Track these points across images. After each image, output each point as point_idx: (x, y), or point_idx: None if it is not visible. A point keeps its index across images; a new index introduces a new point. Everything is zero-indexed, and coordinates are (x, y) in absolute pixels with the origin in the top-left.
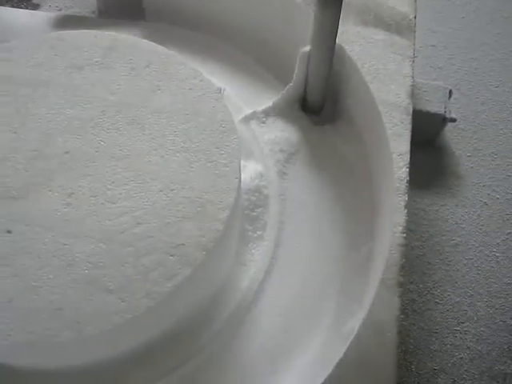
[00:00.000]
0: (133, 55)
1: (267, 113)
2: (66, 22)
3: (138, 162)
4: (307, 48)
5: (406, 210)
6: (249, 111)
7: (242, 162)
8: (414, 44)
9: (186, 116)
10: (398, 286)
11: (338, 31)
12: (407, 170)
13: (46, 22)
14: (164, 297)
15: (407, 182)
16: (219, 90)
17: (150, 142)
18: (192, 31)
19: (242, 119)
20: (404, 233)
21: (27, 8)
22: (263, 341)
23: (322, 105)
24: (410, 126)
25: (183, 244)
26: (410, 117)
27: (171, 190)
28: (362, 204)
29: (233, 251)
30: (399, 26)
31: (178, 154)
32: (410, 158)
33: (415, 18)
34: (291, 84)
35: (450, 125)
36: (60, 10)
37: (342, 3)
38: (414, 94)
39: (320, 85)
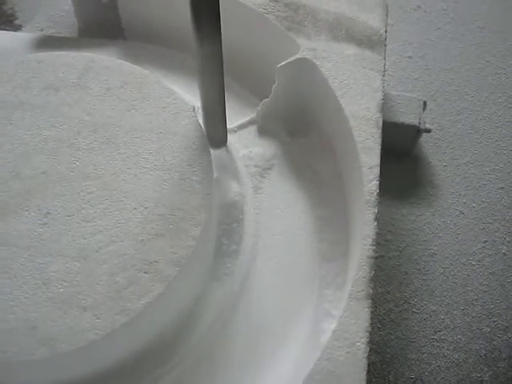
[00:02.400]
0: (108, 76)
1: (242, 128)
2: (47, 42)
3: (112, 181)
4: (283, 63)
5: (375, 223)
6: None
7: (218, 178)
8: (385, 58)
9: (160, 134)
10: (367, 298)
11: (310, 46)
12: (377, 183)
13: (27, 43)
14: (137, 313)
15: (377, 195)
16: (193, 109)
17: (124, 161)
18: (170, 49)
19: None
20: (373, 245)
21: (9, 29)
22: (240, 355)
23: (223, 138)
24: (380, 140)
25: (156, 261)
26: (380, 130)
27: (145, 208)
28: (336, 217)
29: (207, 266)
30: (370, 41)
31: (151, 173)
32: (386, 169)
33: (386, 32)
34: (266, 100)
35: (426, 135)
36: (42, 30)
37: (221, 38)
38: (388, 106)
39: (216, 117)
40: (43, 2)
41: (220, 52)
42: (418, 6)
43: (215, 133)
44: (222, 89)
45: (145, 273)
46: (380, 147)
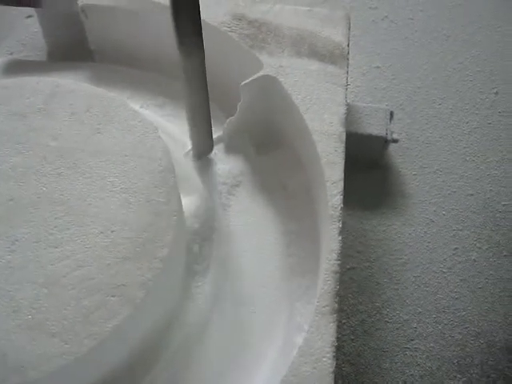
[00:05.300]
0: (73, 100)
1: None
2: (15, 66)
3: (78, 206)
4: (247, 81)
5: (340, 237)
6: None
7: (186, 197)
8: (348, 72)
9: (125, 157)
10: (332, 313)
11: (273, 63)
12: (341, 197)
13: None
14: (105, 336)
15: (341, 210)
16: (157, 130)
17: (91, 185)
18: (139, 70)
19: (186, 154)
20: (338, 260)
21: None
22: (214, 371)
23: (209, 146)
24: (343, 154)
25: (123, 284)
26: (343, 144)
27: (111, 232)
28: (305, 231)
29: (177, 287)
30: (333, 56)
31: (117, 196)
32: (356, 180)
33: (348, 46)
34: (232, 117)
35: (395, 144)
36: (11, 53)
37: (203, 49)
38: (355, 118)
39: (203, 130)
40: (12, 25)
41: (204, 61)
42: (386, 16)
43: (201, 141)
44: (207, 98)
45: (112, 296)
46: (344, 161)
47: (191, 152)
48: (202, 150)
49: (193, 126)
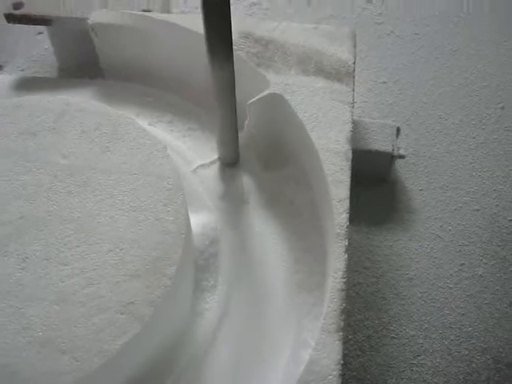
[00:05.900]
0: (83, 118)
1: (216, 163)
2: (26, 83)
3: (88, 224)
4: (254, 99)
5: (346, 256)
6: (200, 162)
7: (194, 214)
8: (354, 90)
9: (134, 175)
10: (338, 331)
11: (280, 81)
12: (347, 215)
13: (7, 85)
14: (115, 354)
15: (347, 228)
16: (165, 148)
17: (100, 203)
18: (149, 88)
19: (193, 171)
20: (344, 278)
21: None
22: None
23: (236, 157)
24: (349, 172)
25: (132, 302)
26: (349, 163)
27: (120, 250)
28: (311, 248)
29: (186, 304)
30: (339, 73)
31: (126, 214)
32: (362, 196)
33: (354, 63)
34: (240, 135)
35: (401, 160)
36: (22, 70)
37: (233, 60)
38: (362, 134)
39: (230, 139)
40: (23, 42)
41: (233, 73)
42: (392, 31)
43: (229, 151)
44: (235, 108)
45: (121, 314)
46: (350, 180)
47: (218, 162)
48: (229, 160)
49: (222, 137)
